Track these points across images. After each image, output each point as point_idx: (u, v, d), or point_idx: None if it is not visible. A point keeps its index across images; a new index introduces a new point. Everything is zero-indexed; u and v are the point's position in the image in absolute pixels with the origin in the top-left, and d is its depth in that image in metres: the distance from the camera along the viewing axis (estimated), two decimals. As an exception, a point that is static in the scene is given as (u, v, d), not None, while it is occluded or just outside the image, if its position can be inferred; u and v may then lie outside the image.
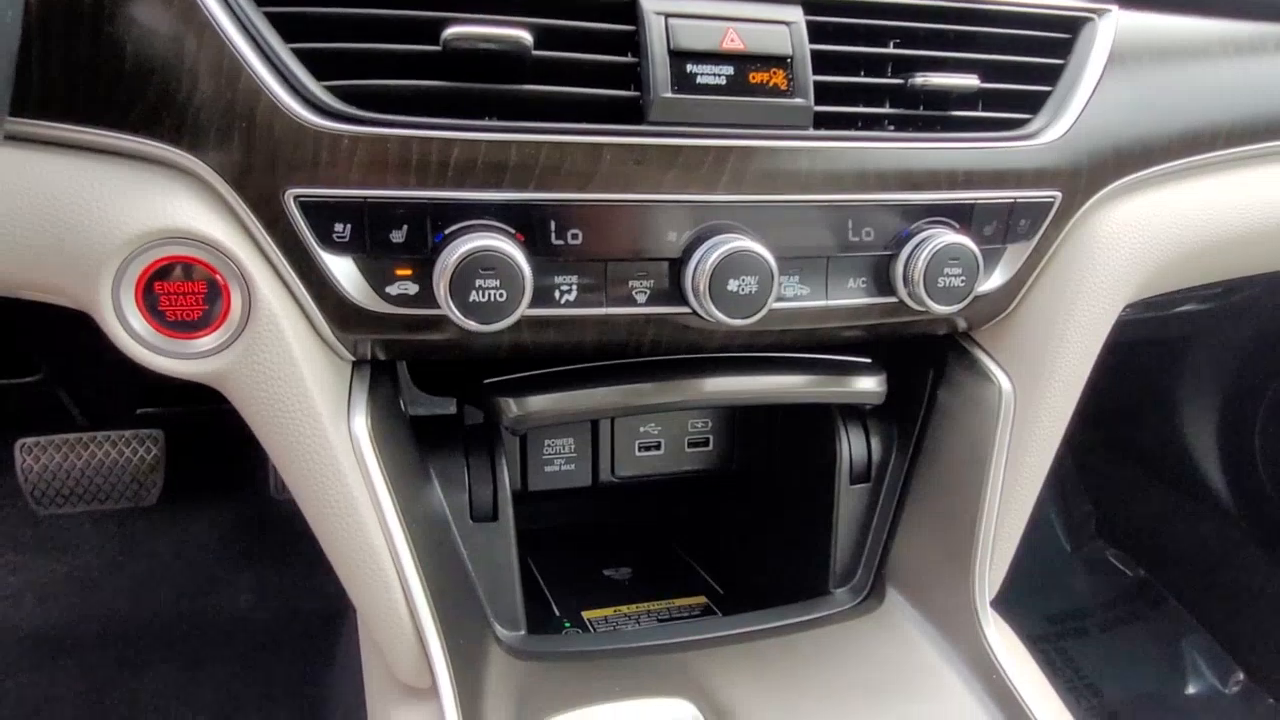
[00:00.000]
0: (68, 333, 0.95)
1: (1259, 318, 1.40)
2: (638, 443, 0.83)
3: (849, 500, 0.75)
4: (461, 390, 0.69)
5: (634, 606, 0.80)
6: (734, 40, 0.56)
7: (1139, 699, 1.60)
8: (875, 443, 0.75)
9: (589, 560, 0.90)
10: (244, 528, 1.46)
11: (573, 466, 0.82)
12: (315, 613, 1.42)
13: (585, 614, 0.79)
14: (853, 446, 0.75)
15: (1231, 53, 0.71)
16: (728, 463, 0.85)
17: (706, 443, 0.85)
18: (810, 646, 0.68)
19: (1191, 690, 1.62)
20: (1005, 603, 0.72)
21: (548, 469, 0.81)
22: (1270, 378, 1.56)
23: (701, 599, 0.82)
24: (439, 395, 0.71)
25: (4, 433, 1.35)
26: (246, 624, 1.43)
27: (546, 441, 0.81)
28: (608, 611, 0.80)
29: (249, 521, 1.46)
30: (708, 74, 0.56)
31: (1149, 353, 1.63)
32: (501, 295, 0.53)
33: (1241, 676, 1.62)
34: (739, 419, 0.85)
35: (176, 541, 1.44)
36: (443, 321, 0.54)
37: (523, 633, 0.67)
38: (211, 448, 1.45)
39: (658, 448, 0.84)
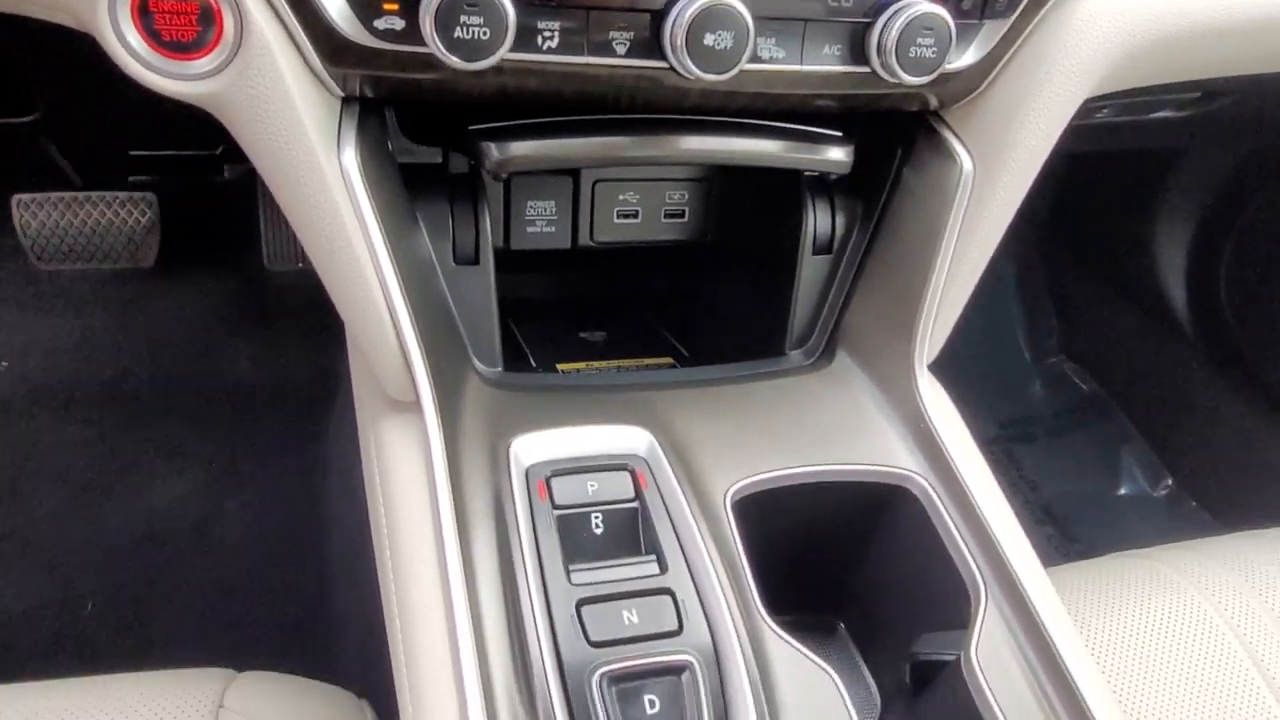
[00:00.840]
0: (68, 72, 0.96)
1: (1235, 135, 1.42)
2: (616, 210, 0.87)
3: (810, 270, 0.80)
4: (447, 138, 0.72)
5: (605, 362, 0.87)
6: None
7: (1073, 496, 1.73)
8: (839, 217, 0.79)
9: (566, 325, 0.96)
10: (240, 297, 1.52)
11: (553, 229, 0.86)
12: (311, 381, 1.50)
13: (560, 366, 0.86)
14: (818, 219, 0.79)
15: None
16: (701, 235, 0.90)
17: (682, 214, 0.89)
18: (762, 394, 0.75)
19: (1123, 491, 1.76)
20: (962, 402, 0.79)
21: (529, 229, 0.85)
22: (1241, 207, 1.59)
23: (668, 359, 0.89)
24: (426, 144, 0.74)
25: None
26: (245, 388, 1.51)
27: (529, 203, 0.84)
28: (580, 365, 0.87)
29: (245, 292, 1.52)
30: None
31: (1127, 171, 1.65)
32: (485, 34, 0.55)
33: (1170, 482, 1.75)
34: (714, 193, 0.89)
35: (175, 307, 1.50)
36: (428, 59, 0.56)
37: (499, 369, 0.73)
38: (205, 218, 1.49)
39: (635, 216, 0.88)
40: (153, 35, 0.54)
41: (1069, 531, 1.69)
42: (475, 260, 0.72)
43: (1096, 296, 1.86)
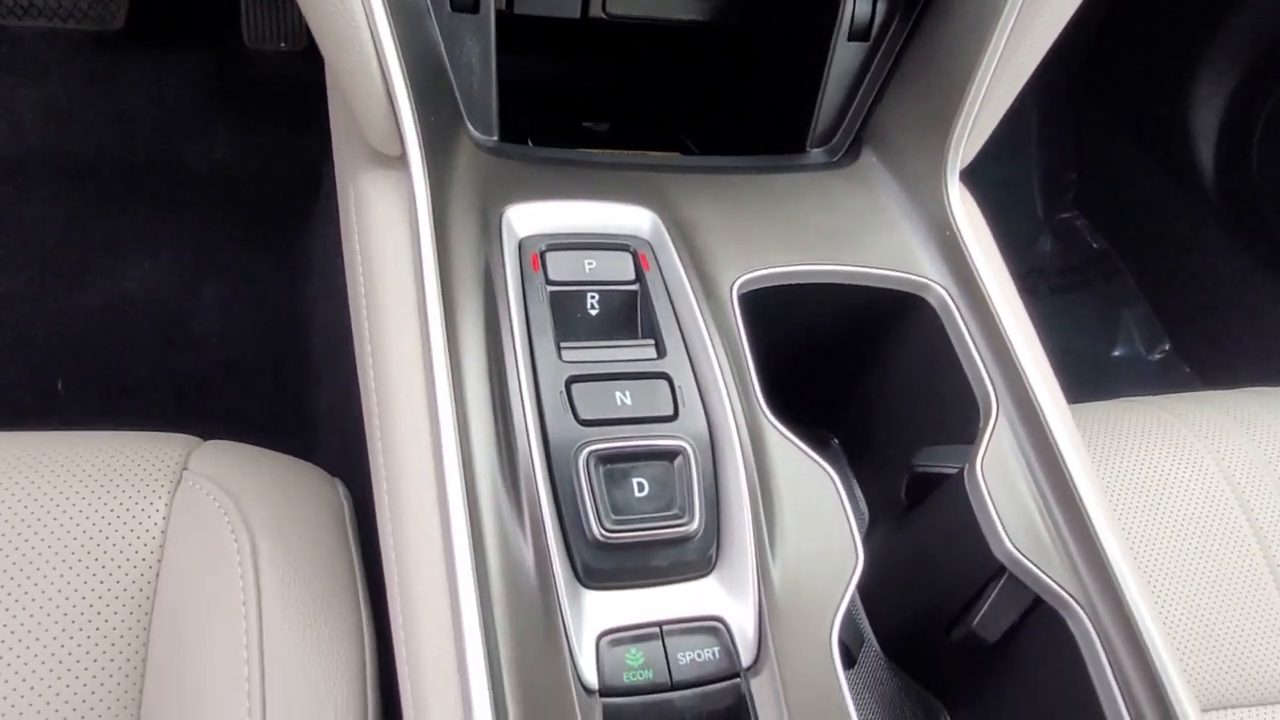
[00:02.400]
0: None
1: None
2: None
3: (843, 57, 0.72)
4: None
5: (609, 151, 0.80)
6: None
7: (1068, 353, 1.71)
8: (882, 1, 0.71)
9: (568, 112, 0.88)
10: (218, 76, 1.41)
11: None
12: (292, 174, 1.42)
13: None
14: (858, 1, 0.71)
15: None
16: (725, 15, 0.81)
17: None
18: (779, 186, 0.69)
19: (1118, 352, 1.73)
20: None
21: None
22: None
23: (674, 152, 0.82)
24: None
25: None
26: (225, 175, 1.43)
27: None
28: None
29: (223, 70, 1.41)
30: None
31: (1175, 13, 1.53)
32: None
33: (1167, 347, 1.73)
34: None
35: (148, 82, 1.39)
36: None
37: (495, 138, 0.67)
38: None
39: None
40: None
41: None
42: (475, 8, 0.64)
43: (1120, 152, 1.77)
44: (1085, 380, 1.69)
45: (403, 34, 0.56)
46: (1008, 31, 0.66)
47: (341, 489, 0.69)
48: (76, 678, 0.55)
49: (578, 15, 0.78)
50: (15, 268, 1.34)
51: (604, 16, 0.79)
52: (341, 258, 0.70)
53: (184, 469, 0.62)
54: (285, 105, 1.42)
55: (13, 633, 0.55)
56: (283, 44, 1.38)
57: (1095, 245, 1.82)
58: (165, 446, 0.64)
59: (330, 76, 0.68)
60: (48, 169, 1.40)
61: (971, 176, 0.75)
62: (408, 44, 0.57)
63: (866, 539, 0.69)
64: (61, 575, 0.56)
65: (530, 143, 0.80)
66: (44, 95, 1.37)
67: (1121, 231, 1.81)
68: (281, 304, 1.34)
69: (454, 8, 0.64)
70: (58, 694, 0.55)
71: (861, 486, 0.76)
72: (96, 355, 1.27)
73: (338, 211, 0.74)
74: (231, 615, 0.55)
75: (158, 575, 0.57)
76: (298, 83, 1.41)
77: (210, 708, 0.53)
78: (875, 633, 0.69)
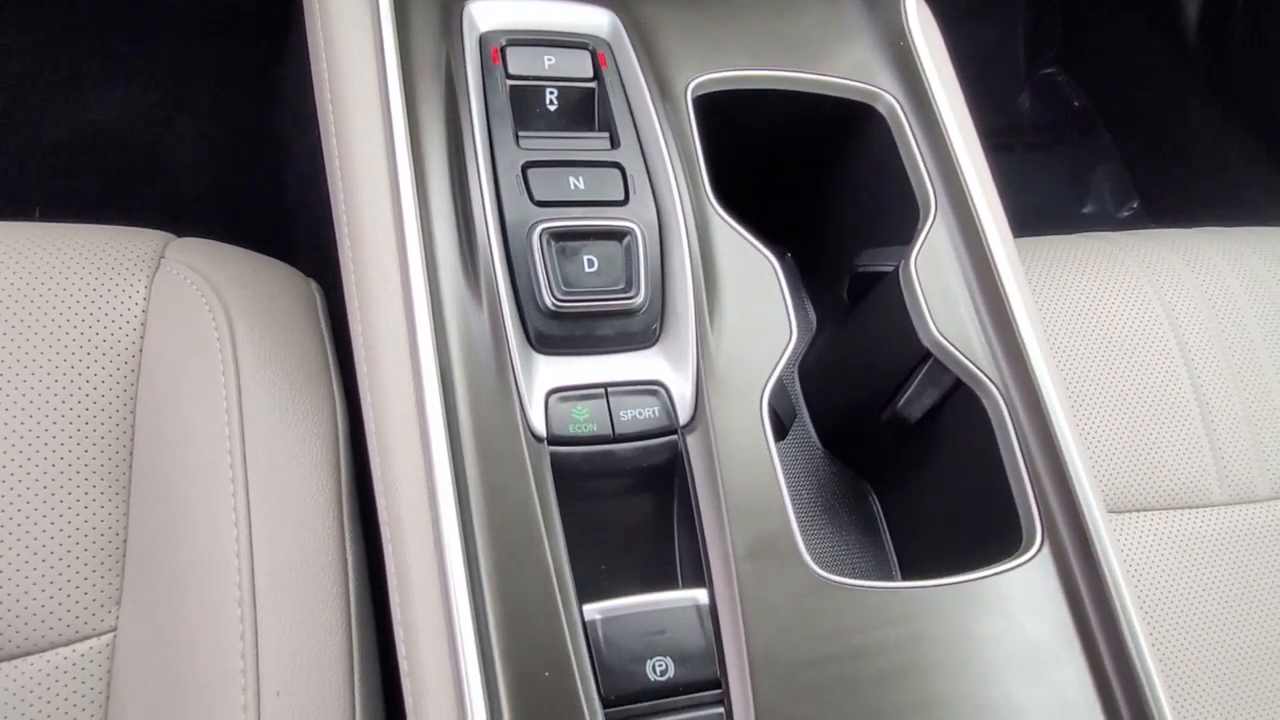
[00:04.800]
0: None
1: None
2: None
3: None
4: None
5: None
6: None
7: (1037, 209, 1.74)
8: None
9: None
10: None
11: None
12: (263, 4, 1.39)
13: None
14: None
15: None
16: None
17: None
18: (737, -6, 0.69)
19: (1088, 209, 1.76)
20: None
21: None
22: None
23: None
24: None
25: None
26: (194, 6, 1.40)
27: None
28: None
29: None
30: None
31: None
32: None
33: (1136, 205, 1.75)
34: None
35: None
36: None
37: None
38: None
39: None
40: None
41: (1025, 243, 1.71)
42: None
43: (1107, 8, 1.75)
44: (1049, 234, 1.73)
45: None
46: None
47: (314, 285, 0.72)
48: (67, 443, 0.59)
49: None
50: (-15, 96, 1.32)
51: None
52: (311, 86, 0.71)
53: (161, 257, 0.65)
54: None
55: (5, 409, 0.59)
56: None
57: (1075, 103, 1.81)
58: (142, 238, 0.66)
59: None
60: (16, -3, 1.36)
61: (955, 33, 0.76)
62: None
63: (813, 341, 0.73)
64: (51, 347, 0.60)
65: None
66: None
67: (1103, 89, 1.80)
68: (254, 134, 1.34)
69: None
70: (51, 463, 0.59)
71: (812, 298, 0.80)
72: (69, 181, 1.27)
73: (305, 44, 0.74)
74: (212, 384, 0.59)
75: (141, 351, 0.61)
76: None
77: (195, 462, 0.57)
78: (815, 427, 0.74)
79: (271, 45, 1.37)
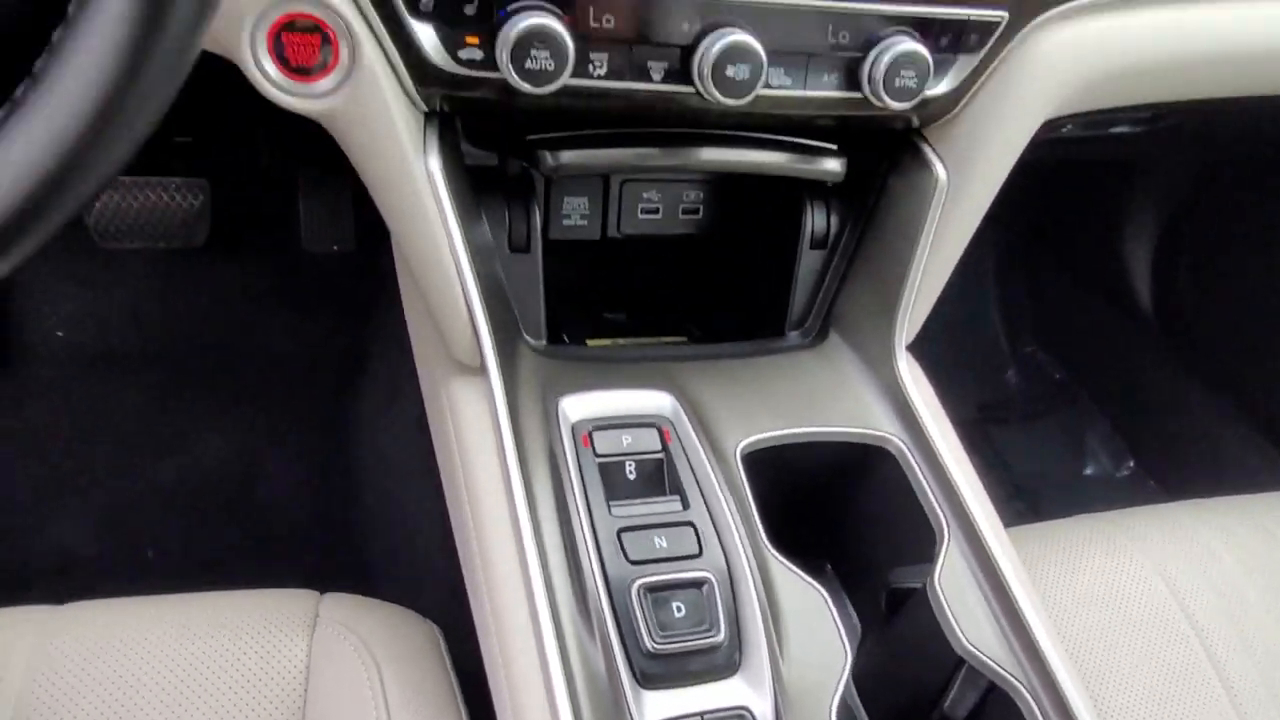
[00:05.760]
0: None
1: (1188, 150, 1.56)
2: (640, 206, 1.00)
3: (807, 262, 0.93)
4: (506, 146, 0.85)
5: (628, 339, 1.00)
6: None
7: (1043, 475, 1.88)
8: (834, 217, 0.92)
9: (593, 306, 1.09)
10: (281, 278, 1.64)
11: (585, 222, 0.99)
12: (343, 353, 1.63)
13: (589, 341, 0.99)
14: (815, 219, 0.92)
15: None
16: (712, 228, 1.03)
17: (696, 211, 1.02)
18: (766, 367, 0.88)
19: (1089, 471, 1.90)
20: (944, 385, 0.92)
21: (565, 222, 0.98)
22: (1198, 213, 1.73)
23: (683, 338, 1.02)
24: (485, 149, 0.86)
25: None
26: (283, 359, 1.64)
27: (566, 199, 0.97)
28: (606, 342, 1.00)
29: (286, 273, 1.64)
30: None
31: (1096, 175, 1.79)
32: (550, 64, 0.68)
33: (1132, 463, 1.90)
34: (723, 193, 1.02)
35: (222, 287, 1.62)
36: (502, 83, 0.69)
37: (544, 342, 0.87)
38: (250, 202, 1.61)
39: (656, 212, 1.01)
40: (282, 60, 0.67)
41: (1037, 507, 1.84)
42: (526, 249, 0.85)
43: (1069, 292, 2.00)
44: (1060, 499, 1.86)
45: (479, 272, 0.77)
46: (929, 241, 0.87)
47: (436, 629, 0.85)
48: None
49: (598, 237, 1.00)
50: (102, 449, 1.52)
51: (618, 235, 1.00)
52: (384, 423, 0.87)
53: (317, 616, 0.78)
54: (336, 298, 1.64)
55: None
56: (335, 246, 1.61)
57: (1056, 376, 2.02)
58: (297, 599, 0.80)
59: (410, 309, 0.88)
60: (128, 362, 1.60)
61: (937, 315, 0.93)
62: (483, 279, 0.78)
63: (861, 644, 0.85)
64: (227, 698, 0.72)
65: (566, 338, 1.00)
66: (131, 302, 1.59)
67: (1077, 360, 2.01)
68: (336, 469, 1.52)
69: (512, 249, 0.85)
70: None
71: (853, 602, 0.92)
72: (180, 521, 1.43)
73: (383, 386, 0.91)
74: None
75: (305, 701, 0.73)
76: (347, 279, 1.63)
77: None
78: None
79: (347, 389, 1.59)
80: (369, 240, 1.60)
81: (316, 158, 1.48)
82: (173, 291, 1.61)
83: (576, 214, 0.99)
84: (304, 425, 1.57)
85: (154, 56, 0.43)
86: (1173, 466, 1.85)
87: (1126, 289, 1.88)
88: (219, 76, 0.67)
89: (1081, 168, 1.81)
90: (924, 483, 0.81)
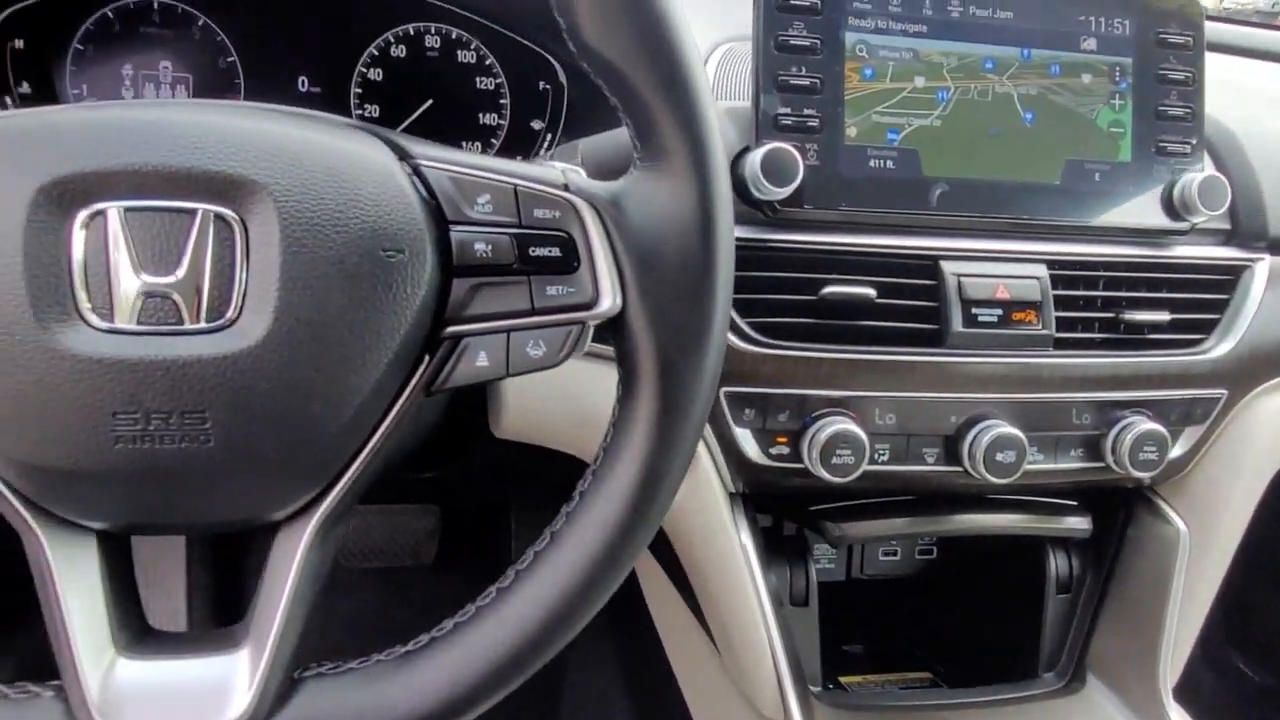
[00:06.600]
0: None
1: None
2: (881, 549, 1.10)
3: (1054, 606, 0.99)
4: (788, 514, 0.97)
5: (877, 676, 1.06)
6: (1003, 292, 0.84)
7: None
8: (1076, 564, 1.00)
9: (831, 641, 1.16)
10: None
11: (833, 565, 1.09)
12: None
13: (841, 679, 1.05)
14: (1058, 566, 0.99)
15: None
16: (949, 569, 1.11)
17: (931, 553, 1.11)
18: (1025, 715, 0.92)
19: None
20: None
21: (816, 567, 1.08)
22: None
23: (927, 674, 1.07)
24: (764, 514, 0.98)
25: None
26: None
27: (816, 548, 1.08)
28: (856, 679, 1.06)
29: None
30: (985, 314, 0.84)
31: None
32: (851, 460, 0.81)
33: None
34: (961, 539, 1.11)
35: (435, 596, 1.74)
36: (805, 473, 0.82)
37: (820, 688, 0.93)
38: (473, 525, 1.77)
39: (895, 555, 1.10)
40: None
41: None
42: (805, 602, 0.94)
43: (1260, 593, 1.95)
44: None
45: (782, 629, 0.86)
46: (1180, 590, 0.93)
47: None
48: None
49: (844, 579, 1.09)
50: None
51: (862, 576, 1.09)
52: None
53: None
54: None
55: None
56: (541, 559, 1.74)
57: (1256, 679, 1.92)
58: None
59: (685, 662, 0.96)
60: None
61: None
62: (783, 635, 0.87)
63: None
64: None
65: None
66: (356, 612, 1.72)
67: (1277, 661, 1.91)
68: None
69: (792, 604, 0.94)
70: None
71: None
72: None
73: None
74: None
75: None
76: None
77: None
78: None
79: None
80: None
81: (531, 489, 1.65)
82: (391, 605, 1.74)
83: (825, 558, 1.09)
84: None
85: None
86: None
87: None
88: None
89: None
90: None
